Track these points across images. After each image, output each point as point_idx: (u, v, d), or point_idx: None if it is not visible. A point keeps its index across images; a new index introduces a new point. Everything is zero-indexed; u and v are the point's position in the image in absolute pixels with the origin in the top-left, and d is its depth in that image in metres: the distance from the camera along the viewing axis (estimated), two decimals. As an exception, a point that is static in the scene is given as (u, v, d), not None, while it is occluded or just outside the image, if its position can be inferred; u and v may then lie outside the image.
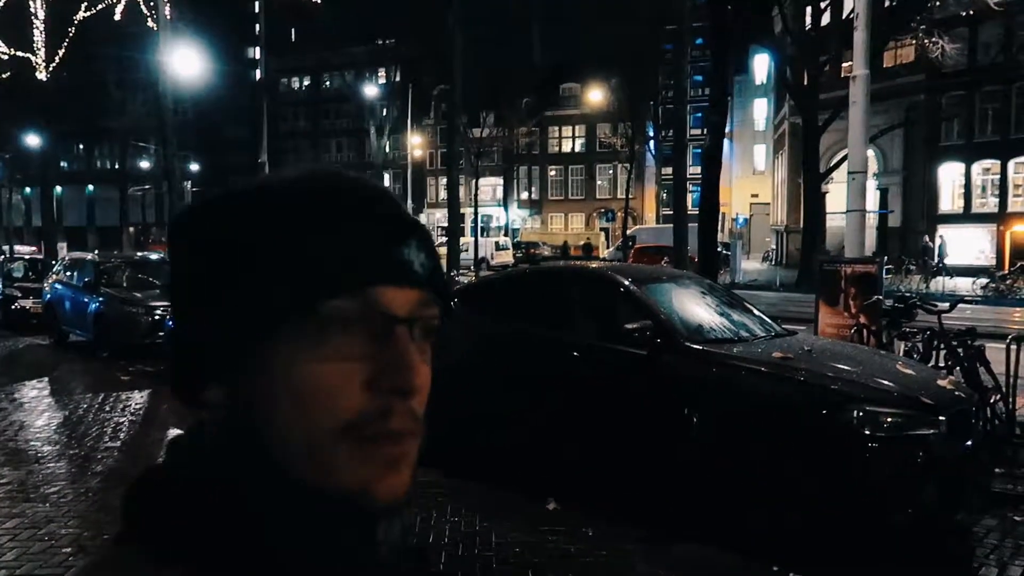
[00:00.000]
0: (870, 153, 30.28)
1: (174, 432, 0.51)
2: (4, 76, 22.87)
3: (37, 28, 17.97)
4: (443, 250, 17.79)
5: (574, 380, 5.50)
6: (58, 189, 53.77)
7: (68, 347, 12.88)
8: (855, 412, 4.29)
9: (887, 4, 24.37)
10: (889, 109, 28.63)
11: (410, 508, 0.63)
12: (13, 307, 15.22)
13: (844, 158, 15.14)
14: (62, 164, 57.08)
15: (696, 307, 5.65)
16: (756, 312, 6.04)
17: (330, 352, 0.53)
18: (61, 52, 18.03)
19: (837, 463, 4.32)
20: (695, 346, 5.02)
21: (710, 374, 4.83)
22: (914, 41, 26.31)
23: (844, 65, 23.66)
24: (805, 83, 25.66)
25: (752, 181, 50.49)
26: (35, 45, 18.04)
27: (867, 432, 4.26)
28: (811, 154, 25.39)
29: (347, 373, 0.53)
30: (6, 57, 19.79)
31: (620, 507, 5.14)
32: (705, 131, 48.56)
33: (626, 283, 5.50)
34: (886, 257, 12.95)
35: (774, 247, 40.60)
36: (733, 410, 4.69)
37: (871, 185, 31.64)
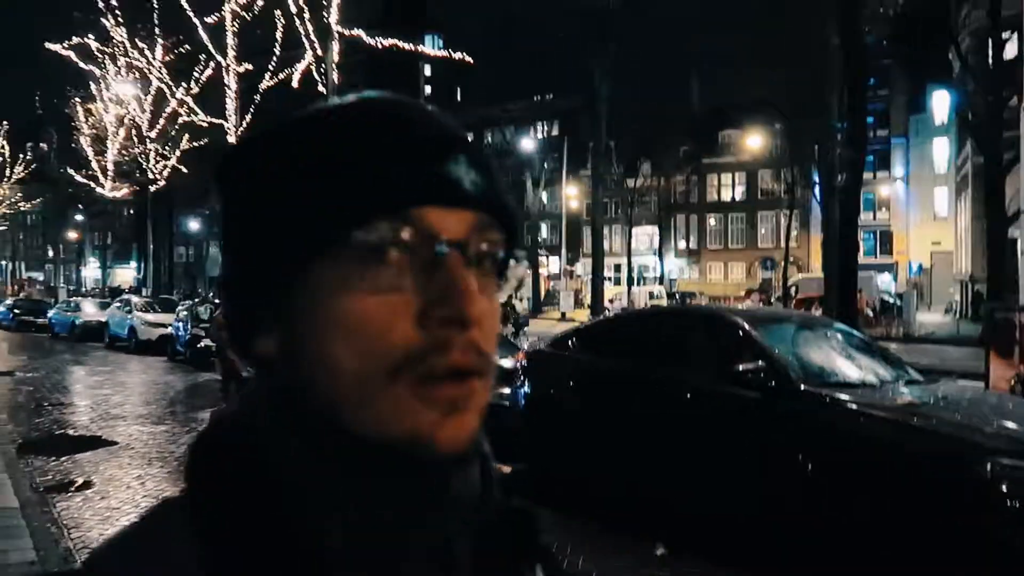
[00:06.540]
0: (1074, 193, 27.25)
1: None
2: (204, 141, 25.96)
3: (230, 98, 20.33)
4: (587, 297, 17.87)
5: (687, 422, 5.36)
6: (250, 242, 59.68)
7: (241, 382, 14.07)
8: (989, 465, 3.88)
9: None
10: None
11: (491, 461, 0.57)
12: (199, 345, 16.89)
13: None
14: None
15: (819, 350, 5.36)
16: (891, 358, 5.63)
17: (376, 283, 0.48)
18: (248, 118, 20.23)
19: (970, 522, 3.91)
20: (812, 389, 4.75)
21: (826, 419, 4.55)
22: None
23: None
24: (987, 119, 23.65)
25: (933, 227, 46.64)
26: (227, 112, 20.39)
27: (1005, 489, 3.84)
28: (995, 195, 23.18)
29: (397, 305, 0.48)
30: (206, 124, 22.45)
31: (729, 554, 4.91)
32: (876, 174, 45.36)
33: (741, 323, 5.33)
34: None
35: (958, 298, 37.14)
36: (851, 459, 4.38)
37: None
